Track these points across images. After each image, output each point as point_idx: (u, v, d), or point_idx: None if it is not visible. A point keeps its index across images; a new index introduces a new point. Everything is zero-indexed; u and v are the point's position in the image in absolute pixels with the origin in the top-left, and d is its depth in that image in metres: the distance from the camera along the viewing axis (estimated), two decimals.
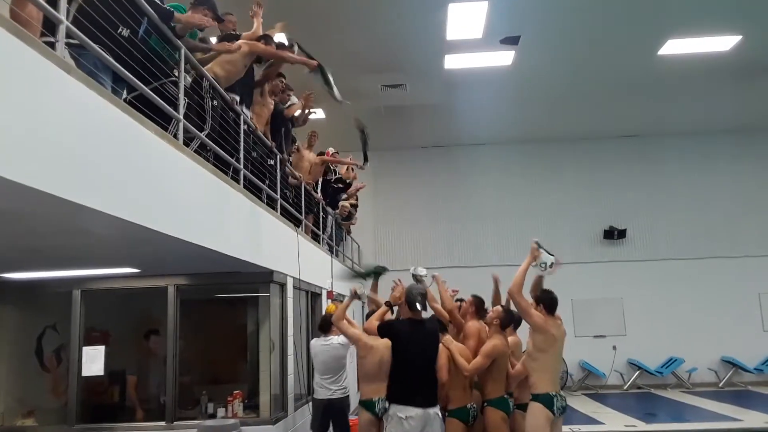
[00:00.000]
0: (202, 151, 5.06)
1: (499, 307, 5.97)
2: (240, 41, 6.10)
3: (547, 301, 5.44)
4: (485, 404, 5.81)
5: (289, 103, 8.36)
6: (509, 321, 5.89)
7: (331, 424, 6.61)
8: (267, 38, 6.56)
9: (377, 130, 14.71)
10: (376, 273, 6.74)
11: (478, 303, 6.22)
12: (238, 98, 6.18)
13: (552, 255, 5.70)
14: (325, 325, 6.82)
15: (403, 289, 5.62)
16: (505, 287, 5.95)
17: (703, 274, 15.59)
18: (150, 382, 6.97)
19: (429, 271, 6.67)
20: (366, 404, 5.56)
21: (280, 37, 7.39)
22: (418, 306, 5.32)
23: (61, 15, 3.08)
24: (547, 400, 5.21)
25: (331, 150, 10.54)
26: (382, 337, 5.48)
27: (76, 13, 3.80)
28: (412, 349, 5.29)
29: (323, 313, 9.11)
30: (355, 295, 6.03)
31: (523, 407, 5.68)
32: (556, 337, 5.34)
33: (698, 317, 15.20)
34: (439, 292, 6.42)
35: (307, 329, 8.59)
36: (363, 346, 5.55)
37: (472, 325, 6.02)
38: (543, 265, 5.65)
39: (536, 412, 5.23)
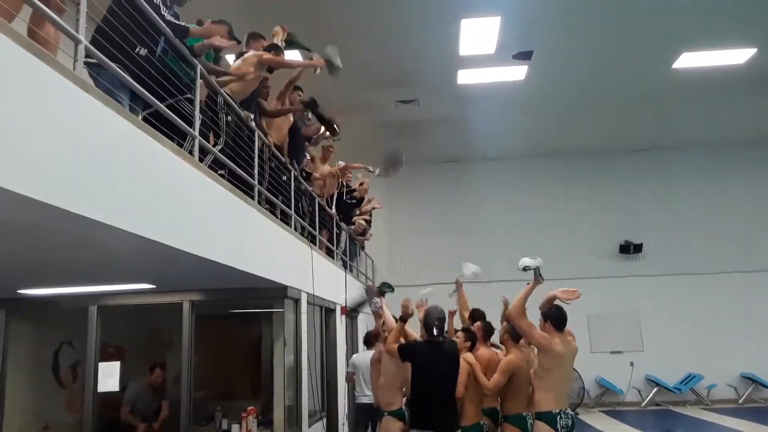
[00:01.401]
0: (217, 167, 5.09)
1: (506, 323, 5.95)
2: (250, 53, 6.18)
3: (555, 318, 5.34)
4: (503, 420, 5.78)
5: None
6: (516, 333, 5.84)
7: (370, 425, 7.66)
8: (276, 48, 6.60)
9: (390, 146, 14.79)
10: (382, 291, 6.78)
11: (486, 328, 6.20)
12: (252, 115, 6.25)
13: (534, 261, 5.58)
14: (368, 340, 8.01)
15: (411, 306, 5.63)
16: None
17: (720, 289, 15.38)
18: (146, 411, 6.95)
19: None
20: (399, 413, 5.67)
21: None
22: (435, 331, 5.30)
23: (80, 35, 3.13)
24: (550, 419, 5.13)
25: (341, 163, 10.57)
26: (403, 359, 5.44)
27: (94, 33, 3.86)
28: (432, 372, 5.24)
29: (337, 329, 9.19)
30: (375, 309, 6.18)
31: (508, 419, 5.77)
32: (562, 356, 5.25)
33: (717, 333, 14.97)
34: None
35: (321, 345, 8.58)
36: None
37: (482, 354, 5.99)
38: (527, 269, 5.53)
39: (540, 430, 5.18)
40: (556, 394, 5.22)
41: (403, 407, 5.83)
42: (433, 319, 5.32)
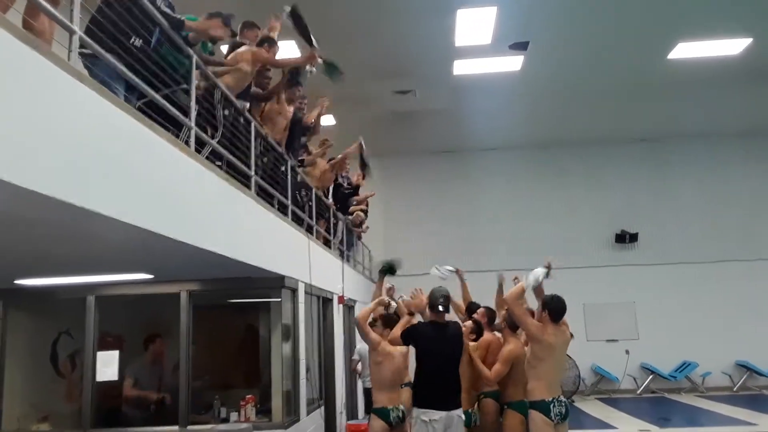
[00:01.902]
0: (214, 158, 5.10)
1: (504, 312, 6.01)
2: (244, 47, 6.15)
3: (553, 309, 5.39)
4: (505, 407, 5.86)
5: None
6: (514, 322, 5.94)
7: None
8: (270, 41, 6.56)
9: (387, 136, 14.86)
10: (389, 270, 6.80)
11: (490, 315, 6.30)
12: (247, 105, 6.25)
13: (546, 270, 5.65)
14: None
15: (423, 297, 5.66)
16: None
17: (716, 278, 15.46)
18: (149, 386, 6.94)
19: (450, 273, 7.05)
20: (380, 412, 5.63)
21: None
22: (440, 308, 5.31)
23: (74, 25, 3.14)
24: (543, 407, 5.22)
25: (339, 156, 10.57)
26: (405, 342, 5.48)
27: (89, 24, 3.87)
28: (435, 352, 5.27)
29: (334, 318, 9.23)
30: (382, 303, 6.16)
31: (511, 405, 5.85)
32: (554, 345, 5.30)
33: (712, 321, 15.08)
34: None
35: (318, 334, 8.62)
36: (381, 352, 5.66)
37: (485, 338, 6.08)
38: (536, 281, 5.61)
39: (535, 419, 5.27)
40: (548, 383, 5.28)
41: (389, 407, 5.70)
42: (437, 297, 5.34)
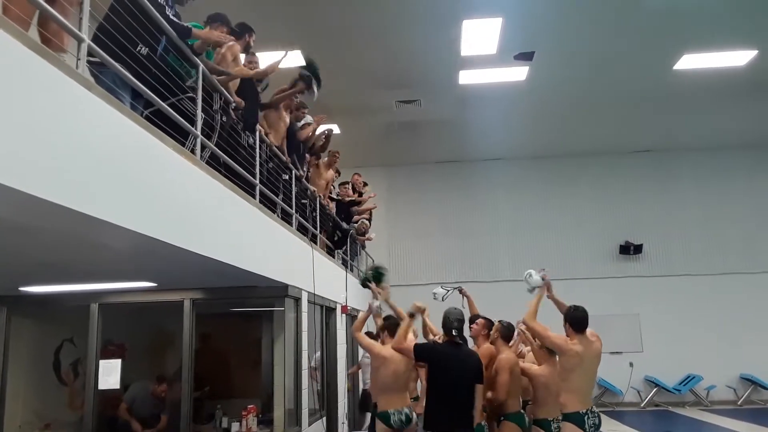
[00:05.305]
0: (216, 165, 5.09)
1: (497, 323, 6.03)
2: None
3: (573, 319, 5.37)
4: (502, 418, 5.81)
5: (303, 122, 8.32)
6: (508, 333, 6.00)
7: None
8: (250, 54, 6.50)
9: (392, 146, 14.88)
10: (376, 276, 6.81)
11: (489, 325, 6.27)
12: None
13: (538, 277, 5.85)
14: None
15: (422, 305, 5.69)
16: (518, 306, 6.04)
17: (721, 290, 15.37)
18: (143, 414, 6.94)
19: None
20: (382, 416, 5.66)
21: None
22: (454, 332, 5.29)
23: (83, 33, 3.15)
24: (577, 419, 5.13)
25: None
26: (417, 359, 5.41)
27: (96, 32, 3.87)
28: (452, 373, 5.18)
29: (337, 328, 9.21)
30: (371, 310, 6.19)
31: (538, 423, 5.70)
32: (581, 355, 5.22)
33: (716, 334, 14.97)
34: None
35: (321, 344, 8.60)
36: (376, 356, 5.68)
37: (486, 348, 6.05)
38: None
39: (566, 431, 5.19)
40: (580, 394, 5.23)
41: (389, 410, 5.77)
42: (452, 321, 5.29)
